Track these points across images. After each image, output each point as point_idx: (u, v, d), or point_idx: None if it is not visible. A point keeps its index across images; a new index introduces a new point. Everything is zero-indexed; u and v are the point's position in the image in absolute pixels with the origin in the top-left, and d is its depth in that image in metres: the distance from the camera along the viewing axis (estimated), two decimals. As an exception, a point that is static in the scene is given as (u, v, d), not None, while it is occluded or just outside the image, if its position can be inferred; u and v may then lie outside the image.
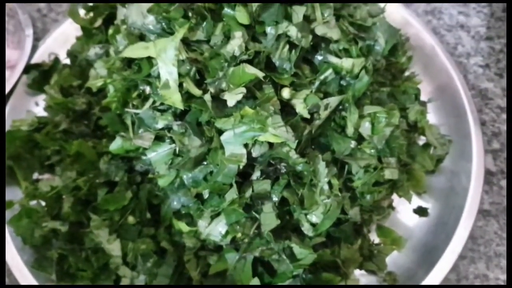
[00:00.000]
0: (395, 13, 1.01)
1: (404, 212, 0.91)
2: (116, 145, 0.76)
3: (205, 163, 0.74)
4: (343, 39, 0.78)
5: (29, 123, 0.90)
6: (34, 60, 1.00)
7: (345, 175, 0.79)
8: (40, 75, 0.98)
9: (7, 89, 0.95)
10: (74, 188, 0.80)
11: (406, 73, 0.98)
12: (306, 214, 0.75)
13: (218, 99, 0.71)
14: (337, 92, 0.77)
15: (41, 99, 0.98)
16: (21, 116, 0.94)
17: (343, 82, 0.79)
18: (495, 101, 1.05)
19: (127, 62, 0.78)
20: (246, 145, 0.70)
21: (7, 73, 1.01)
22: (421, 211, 0.90)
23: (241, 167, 0.70)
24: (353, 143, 0.78)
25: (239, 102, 0.70)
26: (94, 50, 0.86)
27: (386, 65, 0.88)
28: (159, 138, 0.74)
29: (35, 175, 0.90)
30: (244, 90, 0.69)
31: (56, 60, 1.00)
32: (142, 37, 0.77)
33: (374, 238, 0.87)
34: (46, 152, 0.88)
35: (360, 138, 0.80)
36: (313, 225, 0.76)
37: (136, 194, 0.80)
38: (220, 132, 0.71)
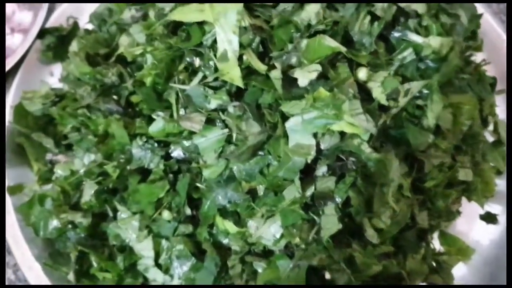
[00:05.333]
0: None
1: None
2: (157, 126, 0.65)
3: (261, 153, 0.62)
4: (427, 14, 0.66)
5: (43, 95, 0.82)
6: (49, 24, 0.90)
7: (414, 174, 0.69)
8: (56, 41, 0.88)
9: (19, 55, 0.86)
10: (100, 174, 0.70)
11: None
12: (370, 218, 0.65)
13: (285, 77, 0.60)
14: (419, 76, 0.66)
15: (57, 69, 0.89)
16: (34, 87, 0.85)
17: (421, 65, 0.68)
18: None
19: (172, 28, 0.66)
20: (315, 135, 0.60)
21: (19, 37, 0.92)
22: (489, 218, 0.81)
23: (309, 160, 0.59)
24: (431, 137, 0.67)
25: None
26: (129, 13, 0.74)
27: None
28: (209, 121, 0.63)
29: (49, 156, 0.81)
30: (319, 67, 0.59)
31: (76, 24, 0.90)
32: (192, -2, 0.65)
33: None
34: (62, 130, 0.79)
35: (435, 132, 0.69)
36: (378, 230, 0.65)
37: (173, 185, 0.69)
38: (284, 117, 0.60)
